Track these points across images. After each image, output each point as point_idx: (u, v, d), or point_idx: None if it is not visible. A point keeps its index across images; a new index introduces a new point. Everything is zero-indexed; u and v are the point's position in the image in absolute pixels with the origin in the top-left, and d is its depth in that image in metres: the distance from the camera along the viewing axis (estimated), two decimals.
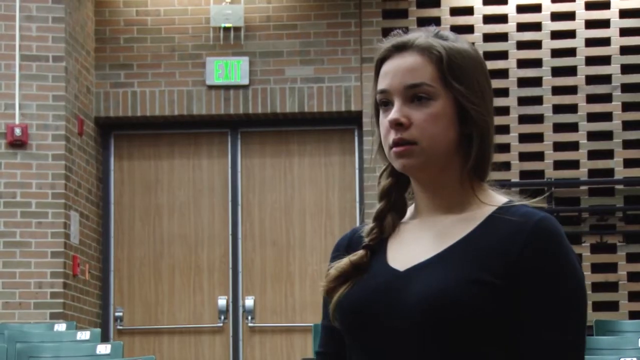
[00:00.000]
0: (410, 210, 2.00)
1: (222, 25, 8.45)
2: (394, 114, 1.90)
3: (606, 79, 8.24)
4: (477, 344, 1.81)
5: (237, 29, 8.48)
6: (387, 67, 1.93)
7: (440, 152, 1.90)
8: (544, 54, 8.30)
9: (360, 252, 1.95)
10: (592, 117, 8.22)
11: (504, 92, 8.23)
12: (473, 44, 8.11)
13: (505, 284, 1.81)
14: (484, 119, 1.91)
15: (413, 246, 1.92)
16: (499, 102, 8.10)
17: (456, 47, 1.92)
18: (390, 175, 1.99)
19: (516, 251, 1.83)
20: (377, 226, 1.97)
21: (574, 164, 8.18)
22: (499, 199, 1.94)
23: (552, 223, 1.86)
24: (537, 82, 8.28)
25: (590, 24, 8.29)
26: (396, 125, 1.89)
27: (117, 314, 8.49)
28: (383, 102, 1.94)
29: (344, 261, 1.94)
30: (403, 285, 1.86)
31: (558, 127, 8.23)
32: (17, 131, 7.72)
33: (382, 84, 1.93)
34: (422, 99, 1.90)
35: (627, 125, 8.19)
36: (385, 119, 1.92)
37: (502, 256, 1.83)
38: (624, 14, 8.28)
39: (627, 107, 8.21)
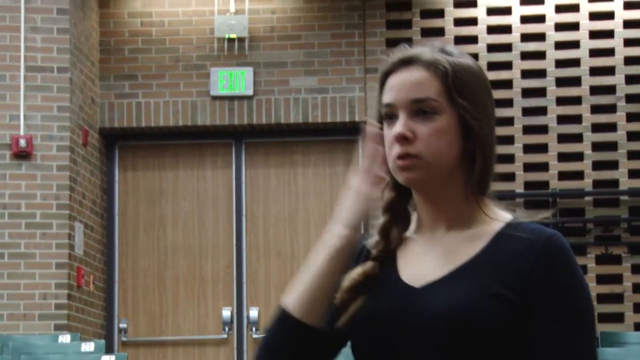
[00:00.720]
0: (413, 221, 2.01)
1: (227, 35, 8.46)
2: (399, 128, 1.90)
3: (610, 90, 8.24)
4: (491, 357, 1.83)
5: (241, 40, 8.48)
6: (393, 80, 1.94)
7: (444, 167, 1.91)
8: (548, 64, 8.30)
9: (371, 264, 1.96)
10: (596, 128, 8.21)
11: (508, 103, 8.23)
12: (477, 54, 8.15)
13: (519, 299, 1.84)
14: (487, 134, 1.92)
15: (425, 262, 1.93)
16: (503, 112, 8.09)
17: (461, 63, 1.93)
18: (392, 188, 2.00)
19: (527, 267, 1.85)
20: (382, 239, 1.98)
21: (579, 175, 8.17)
22: (504, 214, 1.96)
23: (561, 240, 1.89)
24: (541, 92, 8.27)
25: (594, 35, 8.29)
26: (402, 139, 1.90)
27: (121, 325, 8.48)
28: (388, 116, 1.94)
29: (356, 271, 1.95)
30: (420, 301, 1.87)
31: (562, 138, 8.22)
32: (22, 142, 7.73)
33: (387, 98, 1.94)
34: (427, 113, 1.90)
35: (632, 136, 8.18)
36: (390, 133, 1.93)
37: (515, 272, 1.86)
38: (628, 24, 8.28)
39: (631, 117, 8.20)
